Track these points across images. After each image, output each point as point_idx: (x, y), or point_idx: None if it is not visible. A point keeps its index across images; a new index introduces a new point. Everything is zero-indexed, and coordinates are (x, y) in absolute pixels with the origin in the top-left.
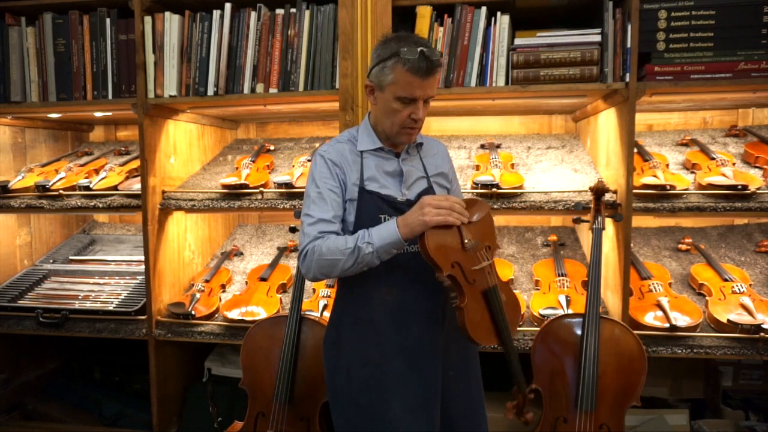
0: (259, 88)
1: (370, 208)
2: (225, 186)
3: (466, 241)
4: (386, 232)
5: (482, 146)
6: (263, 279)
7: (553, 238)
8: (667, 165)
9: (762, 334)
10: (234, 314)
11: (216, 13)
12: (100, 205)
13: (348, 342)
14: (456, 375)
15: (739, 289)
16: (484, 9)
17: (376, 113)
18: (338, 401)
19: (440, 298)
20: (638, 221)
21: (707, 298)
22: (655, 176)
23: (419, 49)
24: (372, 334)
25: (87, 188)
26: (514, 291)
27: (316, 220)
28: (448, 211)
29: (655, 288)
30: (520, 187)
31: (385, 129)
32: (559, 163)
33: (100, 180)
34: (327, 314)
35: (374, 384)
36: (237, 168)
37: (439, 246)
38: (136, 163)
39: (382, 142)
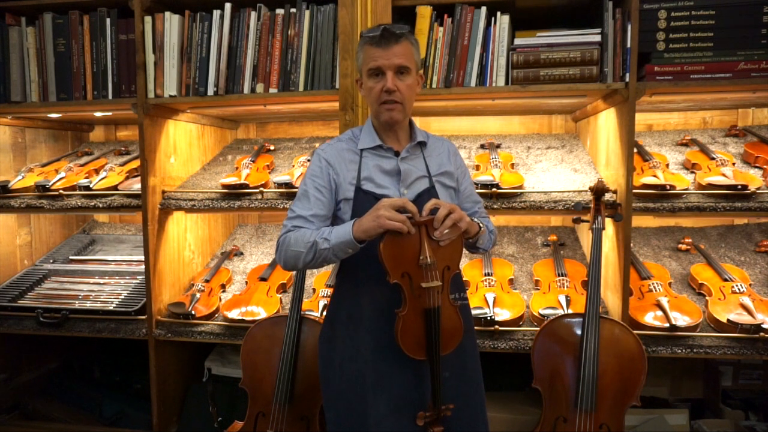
0: (259, 88)
1: (365, 207)
2: (225, 186)
3: (421, 257)
4: (342, 231)
5: (482, 146)
6: (263, 279)
7: (553, 238)
8: (667, 165)
9: (762, 333)
10: (234, 314)
11: (216, 13)
12: (100, 205)
13: (341, 338)
14: (452, 376)
15: (738, 289)
16: (484, 9)
17: (368, 104)
18: (329, 395)
19: None
20: (638, 221)
21: (707, 298)
22: (655, 176)
23: (381, 27)
24: (362, 331)
25: (87, 188)
26: (514, 291)
27: (295, 216)
28: (404, 218)
29: (654, 288)
30: (520, 187)
31: (372, 114)
32: (559, 163)
33: (100, 180)
34: None
35: (361, 380)
36: (237, 168)
37: (393, 253)
38: (136, 163)
39: (382, 140)
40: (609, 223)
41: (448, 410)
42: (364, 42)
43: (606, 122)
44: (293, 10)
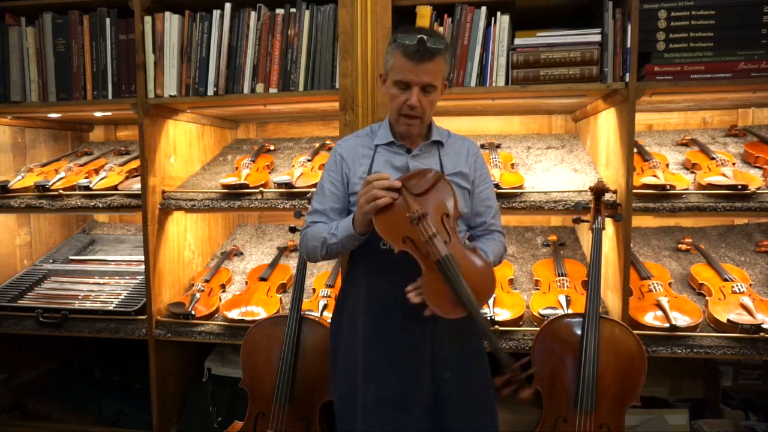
0: (259, 88)
1: None
2: (225, 186)
3: (408, 214)
4: (345, 224)
5: (482, 146)
6: (263, 279)
7: (553, 238)
8: (667, 165)
9: (762, 333)
10: (234, 314)
11: (216, 13)
12: (100, 205)
13: (344, 327)
14: (454, 378)
15: (738, 289)
16: (484, 9)
17: (388, 106)
18: (334, 379)
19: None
20: (638, 221)
21: (707, 298)
22: (655, 176)
23: (418, 36)
24: (360, 323)
25: (87, 188)
26: (514, 291)
27: (313, 211)
28: (375, 193)
29: (655, 288)
30: (520, 187)
31: (391, 118)
32: (559, 163)
33: (100, 180)
34: (327, 314)
35: (356, 368)
36: (237, 168)
37: (386, 224)
38: (136, 163)
39: (396, 137)
40: (609, 223)
41: (528, 369)
42: (397, 47)
43: (606, 122)
44: (293, 10)
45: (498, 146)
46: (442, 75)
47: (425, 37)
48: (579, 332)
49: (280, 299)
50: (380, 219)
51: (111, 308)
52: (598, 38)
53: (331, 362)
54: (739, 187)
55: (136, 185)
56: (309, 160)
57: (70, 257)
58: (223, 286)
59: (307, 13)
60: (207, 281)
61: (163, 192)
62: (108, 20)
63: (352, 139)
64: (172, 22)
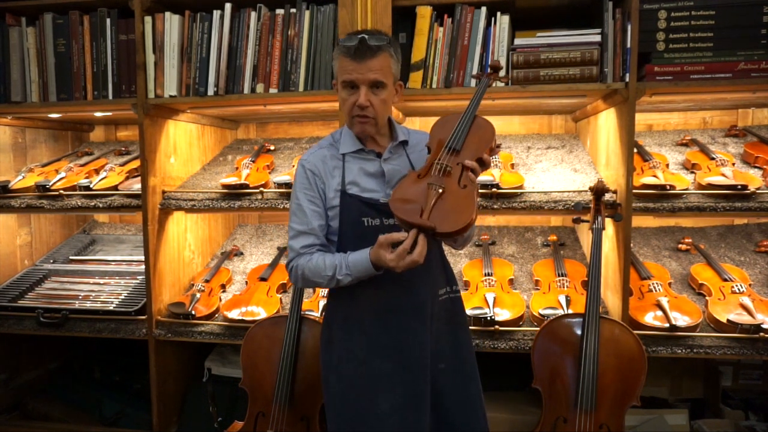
0: (259, 88)
1: (352, 212)
2: (225, 186)
3: (431, 186)
4: (362, 266)
5: None
6: (263, 279)
7: (553, 238)
8: (667, 165)
9: (762, 333)
10: (234, 314)
11: (216, 13)
12: (101, 205)
13: (338, 340)
14: (448, 368)
15: (738, 289)
16: (484, 9)
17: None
18: (330, 397)
19: (426, 297)
20: (638, 221)
21: (707, 298)
22: (655, 176)
23: (359, 36)
24: (359, 332)
25: (87, 188)
26: (514, 291)
27: (297, 233)
28: (408, 255)
29: (654, 288)
30: (520, 187)
31: (346, 123)
32: (559, 163)
33: (100, 180)
34: None
35: (360, 380)
36: (237, 168)
37: (446, 215)
38: (136, 163)
39: (363, 143)
40: (609, 223)
41: None
42: (339, 51)
43: (606, 122)
44: (293, 10)
45: (498, 146)
46: (391, 72)
47: (366, 36)
48: (579, 332)
49: (280, 299)
50: (437, 216)
51: (111, 308)
52: (598, 38)
53: (323, 380)
54: (739, 187)
55: (136, 185)
56: None
57: (71, 257)
58: (223, 286)
59: (307, 14)
60: (207, 281)
61: (164, 192)
62: (108, 20)
63: (318, 152)
64: (172, 23)
